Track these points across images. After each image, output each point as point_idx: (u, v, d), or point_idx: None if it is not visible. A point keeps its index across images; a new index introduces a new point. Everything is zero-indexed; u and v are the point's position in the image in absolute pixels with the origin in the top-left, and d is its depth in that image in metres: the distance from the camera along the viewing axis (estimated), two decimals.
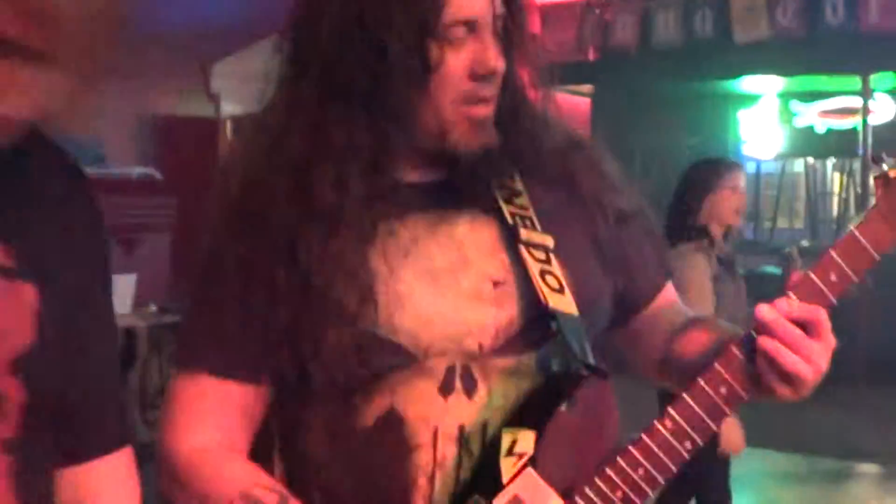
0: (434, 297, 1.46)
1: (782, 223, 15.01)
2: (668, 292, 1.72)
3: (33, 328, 1.14)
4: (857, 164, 12.74)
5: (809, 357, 1.42)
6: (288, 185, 1.47)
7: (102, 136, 9.55)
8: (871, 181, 1.55)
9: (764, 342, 1.42)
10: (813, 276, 1.47)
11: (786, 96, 13.90)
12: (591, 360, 1.47)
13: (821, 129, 13.75)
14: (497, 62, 1.47)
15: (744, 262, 12.20)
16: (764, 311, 1.43)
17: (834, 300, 1.48)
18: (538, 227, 1.53)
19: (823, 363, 1.43)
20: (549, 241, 1.53)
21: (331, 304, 1.42)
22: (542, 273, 1.49)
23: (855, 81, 12.18)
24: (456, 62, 1.45)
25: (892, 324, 9.69)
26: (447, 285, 1.47)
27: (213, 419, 1.50)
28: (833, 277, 1.48)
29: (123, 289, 6.63)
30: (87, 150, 8.71)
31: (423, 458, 1.45)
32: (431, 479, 1.45)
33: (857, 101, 12.54)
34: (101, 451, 1.29)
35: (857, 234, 1.50)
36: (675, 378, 1.65)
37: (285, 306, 1.44)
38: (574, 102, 15.14)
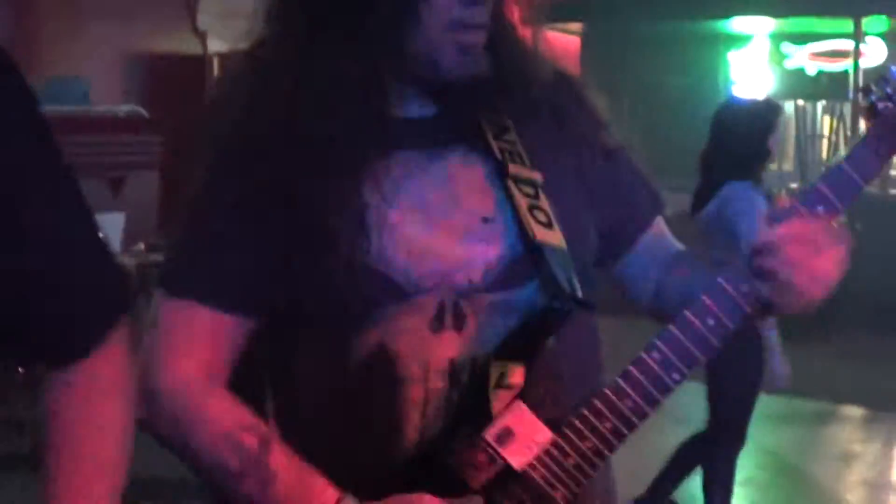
0: (425, 232, 1.47)
1: (771, 166, 15.03)
2: (658, 226, 1.73)
3: None
4: (847, 108, 12.71)
5: (813, 274, 1.42)
6: (279, 118, 1.46)
7: (88, 75, 9.49)
8: (861, 123, 1.55)
9: (765, 261, 1.42)
10: (800, 207, 1.47)
11: (777, 37, 13.85)
12: (579, 294, 1.48)
13: (811, 71, 13.72)
14: None
15: None
16: (763, 231, 1.44)
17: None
18: (527, 162, 1.53)
19: (836, 273, 1.43)
20: (538, 177, 1.53)
21: (323, 235, 1.43)
22: (531, 208, 1.49)
23: (847, 24, 12.16)
24: None
25: (887, 269, 9.73)
26: (438, 221, 1.48)
27: (199, 348, 1.50)
28: (820, 209, 1.48)
29: (112, 228, 6.60)
30: (72, 89, 8.66)
31: (413, 392, 1.47)
32: (422, 412, 1.47)
33: (848, 44, 12.52)
34: (81, 354, 1.29)
35: (845, 166, 1.50)
36: (666, 312, 1.63)
37: (278, 238, 1.45)
38: (563, 41, 15.07)
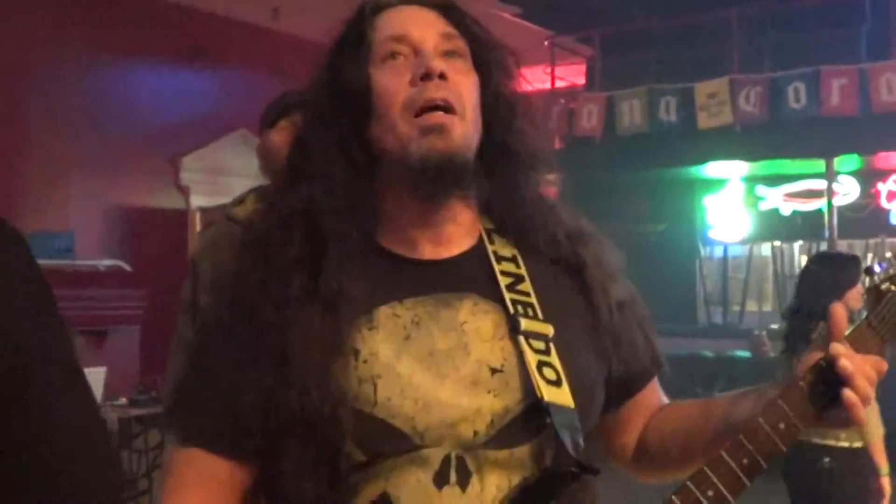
0: (433, 381, 1.45)
1: (751, 306, 15.07)
2: (655, 383, 1.74)
3: None
4: (823, 246, 12.85)
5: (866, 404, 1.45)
6: (283, 261, 1.49)
7: (72, 228, 9.55)
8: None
9: (848, 393, 1.43)
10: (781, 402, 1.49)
11: (751, 180, 14.02)
12: (584, 457, 1.47)
13: (786, 211, 13.87)
14: (435, 62, 1.49)
15: (713, 345, 12.27)
16: (845, 363, 1.45)
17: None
18: (539, 314, 1.53)
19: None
20: (549, 330, 1.52)
21: (331, 385, 1.42)
22: (540, 365, 1.48)
23: (818, 164, 12.34)
24: (396, 76, 1.50)
25: None
26: (446, 370, 1.46)
27: (199, 492, 1.49)
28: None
29: (94, 381, 6.57)
30: (56, 242, 8.71)
31: None
32: None
33: (821, 184, 12.68)
34: None
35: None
36: (646, 462, 1.68)
37: (278, 386, 1.43)
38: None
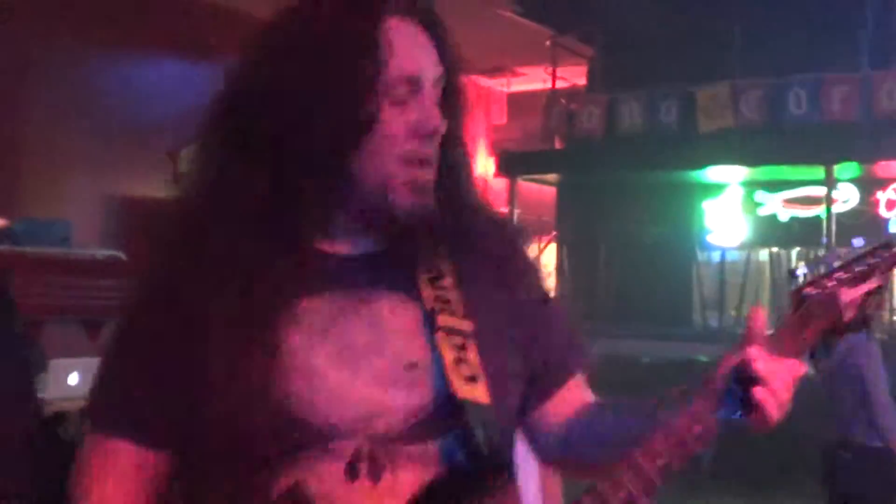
0: (348, 376, 1.45)
1: (748, 311, 15.06)
2: (578, 380, 1.70)
3: None
4: (821, 252, 12.83)
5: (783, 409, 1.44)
6: (203, 252, 1.47)
7: (69, 218, 9.54)
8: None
9: (758, 392, 1.43)
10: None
11: (750, 185, 14.03)
12: (497, 453, 1.47)
13: (784, 217, 13.87)
14: (439, 122, 1.47)
15: (709, 350, 12.26)
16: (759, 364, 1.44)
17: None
18: (459, 311, 1.52)
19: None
20: (468, 326, 1.52)
21: (245, 377, 1.40)
22: (457, 361, 1.48)
23: (818, 170, 12.34)
24: (398, 120, 1.45)
25: None
26: (362, 365, 1.46)
27: (114, 479, 1.49)
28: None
29: (88, 371, 6.57)
30: (53, 231, 8.69)
31: None
32: None
33: (820, 190, 12.68)
34: None
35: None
36: (572, 460, 1.67)
37: (196, 378, 1.42)
38: (540, 191, 15.27)
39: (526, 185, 14.76)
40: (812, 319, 1.52)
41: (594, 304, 13.23)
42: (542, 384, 1.64)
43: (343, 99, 1.42)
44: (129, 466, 1.49)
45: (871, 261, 1.57)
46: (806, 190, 13.49)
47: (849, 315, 1.53)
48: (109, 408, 1.52)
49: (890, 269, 1.57)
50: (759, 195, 13.98)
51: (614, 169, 13.45)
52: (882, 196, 13.17)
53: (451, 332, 1.50)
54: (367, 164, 1.45)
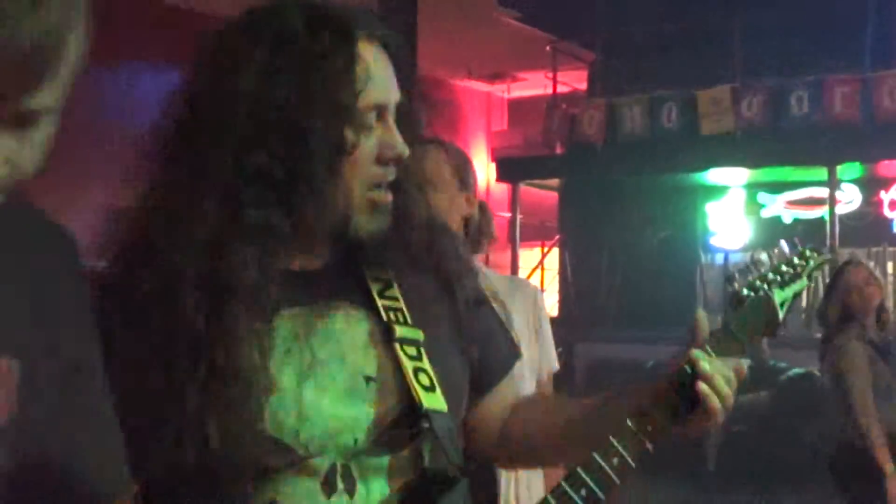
0: (314, 393, 1.47)
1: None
2: (513, 375, 1.79)
3: (11, 403, 1.12)
4: (826, 252, 12.82)
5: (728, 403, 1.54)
6: (165, 277, 1.44)
7: (74, 232, 9.54)
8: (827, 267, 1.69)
9: (703, 388, 1.52)
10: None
11: (752, 188, 14.02)
12: (461, 459, 1.55)
13: (788, 219, 13.86)
14: (402, 149, 1.53)
15: None
16: (702, 364, 1.54)
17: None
18: (409, 320, 1.57)
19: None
20: (420, 335, 1.57)
21: (217, 400, 1.41)
22: (416, 371, 1.53)
23: (821, 172, 12.32)
24: (367, 146, 1.50)
25: None
26: (325, 382, 1.49)
27: None
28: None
29: None
30: None
31: None
32: None
33: (823, 191, 12.67)
34: None
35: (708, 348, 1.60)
36: (508, 454, 1.76)
37: (162, 402, 1.40)
38: (542, 196, 15.26)
39: (528, 191, 14.76)
40: (749, 320, 1.65)
41: (598, 309, 13.22)
42: (481, 381, 1.71)
43: (320, 127, 1.45)
44: None
45: (798, 263, 1.74)
46: (809, 191, 13.48)
47: (782, 315, 1.66)
48: None
49: (814, 271, 1.76)
50: (762, 197, 13.96)
51: (616, 173, 13.45)
52: (885, 196, 13.15)
53: (406, 342, 1.55)
54: (334, 187, 1.49)
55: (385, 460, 1.51)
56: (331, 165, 1.46)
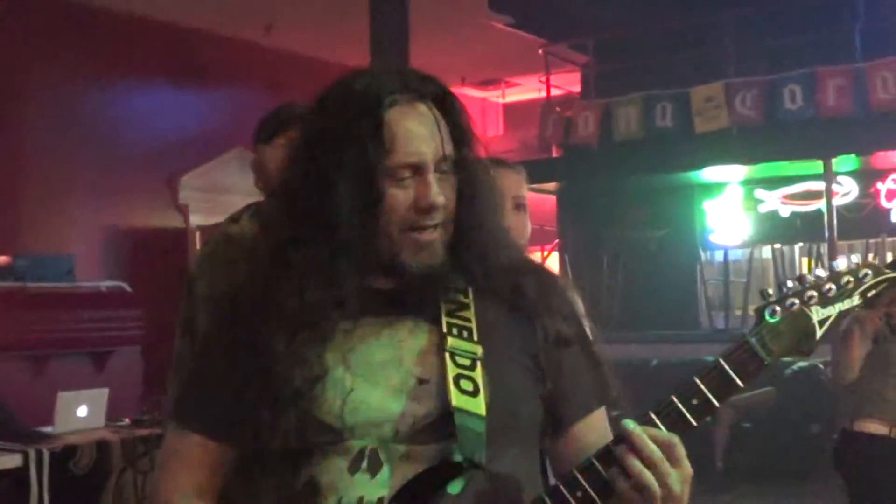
0: (368, 387, 1.75)
1: (753, 309, 15.01)
2: (598, 418, 1.92)
3: None
4: (824, 247, 12.83)
5: (664, 479, 1.60)
6: (261, 294, 1.82)
7: (72, 251, 9.55)
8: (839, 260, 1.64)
9: (622, 452, 1.62)
10: (675, 399, 1.64)
11: (749, 183, 14.02)
12: (480, 456, 1.69)
13: (785, 213, 13.86)
14: (437, 198, 1.77)
15: (716, 350, 12.25)
16: (629, 424, 1.62)
17: (695, 423, 1.65)
18: (473, 337, 1.81)
19: (676, 488, 1.61)
20: (478, 350, 1.79)
21: (287, 388, 1.74)
22: (458, 377, 1.75)
23: (816, 165, 12.33)
24: (401, 197, 1.77)
25: None
26: (378, 379, 1.76)
27: (190, 468, 1.86)
28: (695, 402, 1.64)
29: (96, 402, 6.57)
30: (58, 265, 8.70)
31: None
32: None
33: (819, 185, 12.68)
34: None
35: (722, 362, 1.66)
36: None
37: (255, 387, 1.76)
38: (540, 200, 15.27)
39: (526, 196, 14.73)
40: (781, 337, 1.67)
41: (600, 310, 13.22)
42: (558, 415, 1.89)
43: (354, 183, 1.76)
44: (199, 455, 1.86)
45: (847, 279, 1.66)
46: (805, 185, 13.48)
47: (819, 335, 1.65)
48: (188, 409, 1.90)
49: (870, 290, 1.66)
50: (759, 192, 13.98)
51: (613, 174, 13.46)
52: (882, 187, 13.16)
53: (459, 353, 1.79)
54: (379, 230, 1.78)
55: (413, 449, 1.74)
56: (363, 212, 1.76)
